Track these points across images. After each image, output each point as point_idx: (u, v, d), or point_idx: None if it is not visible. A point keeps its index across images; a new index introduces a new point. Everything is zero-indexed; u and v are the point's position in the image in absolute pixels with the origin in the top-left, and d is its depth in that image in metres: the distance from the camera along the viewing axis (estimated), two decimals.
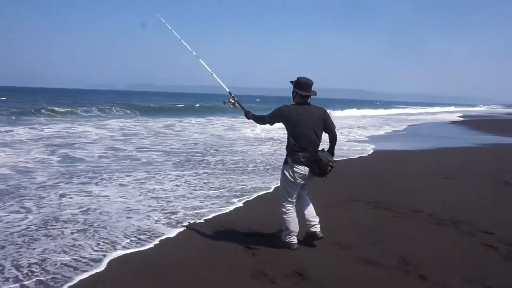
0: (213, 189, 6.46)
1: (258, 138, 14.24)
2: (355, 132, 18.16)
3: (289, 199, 4.04)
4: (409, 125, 24.79)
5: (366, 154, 10.72)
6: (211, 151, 10.76)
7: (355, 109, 43.70)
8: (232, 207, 5.45)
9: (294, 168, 3.87)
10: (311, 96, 4.01)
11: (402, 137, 17.07)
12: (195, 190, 6.37)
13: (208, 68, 5.04)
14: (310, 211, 4.15)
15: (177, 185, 6.63)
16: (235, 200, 5.80)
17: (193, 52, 5.20)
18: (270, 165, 8.65)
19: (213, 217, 4.98)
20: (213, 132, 16.32)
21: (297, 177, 3.89)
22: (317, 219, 4.13)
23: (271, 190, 6.38)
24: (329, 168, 3.86)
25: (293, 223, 4.02)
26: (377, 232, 4.54)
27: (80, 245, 3.98)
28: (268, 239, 4.20)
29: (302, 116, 3.91)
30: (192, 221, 4.78)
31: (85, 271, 3.41)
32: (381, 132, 19.30)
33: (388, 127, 22.55)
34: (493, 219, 5.02)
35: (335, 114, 29.51)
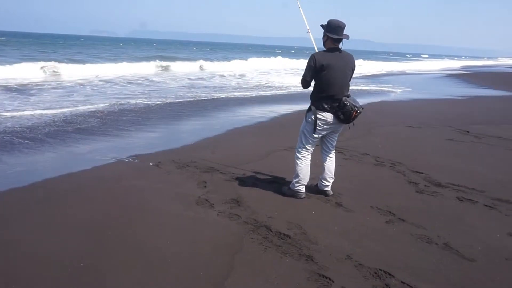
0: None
1: None
2: None
3: (307, 146, 3.99)
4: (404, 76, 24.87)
5: None
6: None
7: (361, 60, 43.71)
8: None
9: (317, 115, 3.79)
10: (343, 40, 3.77)
11: (390, 87, 17.33)
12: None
13: (305, 20, 4.47)
14: (330, 170, 4.13)
15: None
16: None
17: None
18: None
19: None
20: None
21: (319, 123, 3.82)
22: (332, 180, 4.16)
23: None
24: (354, 113, 3.73)
25: (305, 171, 4.02)
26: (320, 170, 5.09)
27: None
28: (220, 174, 4.80)
29: (335, 62, 3.73)
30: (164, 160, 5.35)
31: None
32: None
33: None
34: (428, 162, 5.58)
35: None
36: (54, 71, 17.12)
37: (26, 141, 6.01)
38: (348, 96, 3.84)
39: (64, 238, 3.16)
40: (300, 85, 3.98)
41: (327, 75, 3.73)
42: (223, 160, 5.36)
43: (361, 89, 16.04)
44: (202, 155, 5.59)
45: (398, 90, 16.22)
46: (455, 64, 56.12)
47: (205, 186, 4.41)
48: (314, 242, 3.17)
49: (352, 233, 3.37)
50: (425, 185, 4.62)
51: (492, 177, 5.01)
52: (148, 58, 28.39)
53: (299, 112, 9.31)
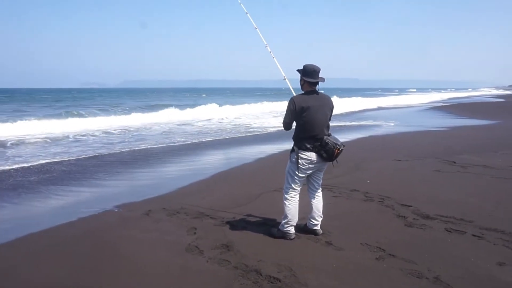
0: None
1: None
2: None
3: (294, 186, 4.03)
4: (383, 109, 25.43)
5: None
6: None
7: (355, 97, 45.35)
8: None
9: (300, 154, 3.88)
10: (319, 83, 3.94)
11: (377, 122, 17.68)
12: None
13: (280, 68, 4.71)
14: (318, 208, 4.16)
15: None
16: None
17: (267, 48, 4.84)
18: None
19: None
20: None
21: (303, 163, 3.90)
22: (321, 218, 4.18)
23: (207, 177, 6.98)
24: (336, 150, 3.83)
25: (294, 212, 4.04)
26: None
27: None
28: (213, 220, 4.78)
29: (313, 103, 3.85)
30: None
31: None
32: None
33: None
34: (416, 195, 5.63)
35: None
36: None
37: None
38: (329, 135, 3.96)
39: None
40: (282, 127, 4.07)
41: (308, 116, 3.85)
42: (214, 205, 5.36)
43: (349, 125, 16.33)
44: (192, 201, 5.58)
45: (385, 124, 16.54)
46: (442, 96, 57.80)
47: (194, 233, 4.38)
48: (304, 284, 3.14)
49: (342, 272, 3.35)
50: (414, 218, 4.64)
51: (479, 206, 5.05)
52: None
53: (286, 151, 9.40)
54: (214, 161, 9.03)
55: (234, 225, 4.58)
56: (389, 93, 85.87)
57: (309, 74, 3.91)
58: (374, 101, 41.16)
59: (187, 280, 3.29)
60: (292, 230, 4.10)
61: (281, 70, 4.69)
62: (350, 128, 15.57)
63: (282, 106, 25.54)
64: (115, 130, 15.85)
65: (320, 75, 3.95)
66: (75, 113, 25.17)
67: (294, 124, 4.02)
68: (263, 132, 14.87)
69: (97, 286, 3.21)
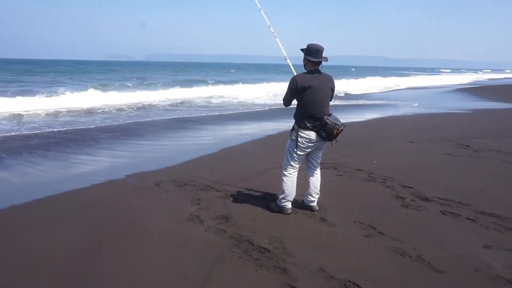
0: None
1: None
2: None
3: (292, 164, 4.17)
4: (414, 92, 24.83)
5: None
6: None
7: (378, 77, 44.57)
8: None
9: (299, 133, 3.99)
10: (323, 62, 3.99)
11: (396, 104, 17.39)
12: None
13: (282, 49, 4.81)
14: (316, 186, 4.29)
15: None
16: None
17: (270, 28, 4.84)
18: None
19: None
20: None
21: (303, 141, 4.01)
22: (318, 196, 4.32)
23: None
24: (336, 130, 3.91)
25: (291, 188, 4.19)
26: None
27: None
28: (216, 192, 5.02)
29: (315, 83, 3.93)
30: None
31: None
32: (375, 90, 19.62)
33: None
34: (420, 177, 5.68)
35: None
36: None
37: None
38: (330, 115, 4.03)
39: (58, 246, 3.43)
40: (285, 105, 4.20)
41: (309, 96, 3.93)
42: (221, 178, 5.59)
43: (370, 104, 16.16)
44: (202, 173, 5.82)
45: (407, 105, 16.26)
46: (473, 78, 55.60)
47: (198, 204, 4.63)
48: (291, 256, 3.34)
49: (329, 247, 3.53)
50: (412, 200, 4.73)
51: (481, 191, 5.08)
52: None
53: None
54: (228, 135, 9.24)
55: (237, 198, 4.80)
56: (422, 73, 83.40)
57: (312, 54, 3.94)
58: (403, 80, 40.25)
59: (184, 246, 3.55)
60: (288, 205, 4.28)
61: (283, 50, 4.77)
62: (370, 107, 15.42)
63: None
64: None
65: (324, 55, 3.97)
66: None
67: (295, 102, 4.12)
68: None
69: (98, 248, 3.51)
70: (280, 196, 4.28)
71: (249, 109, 15.26)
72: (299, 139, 4.01)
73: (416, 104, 16.58)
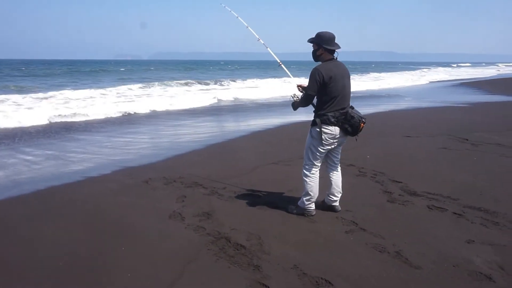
0: None
1: None
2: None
3: (315, 163, 3.88)
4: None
5: None
6: None
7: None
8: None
9: (322, 129, 3.68)
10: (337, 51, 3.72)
11: (399, 98, 17.18)
12: None
13: (274, 56, 4.82)
14: (338, 185, 4.04)
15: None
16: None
17: (260, 40, 4.91)
18: None
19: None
20: None
21: (327, 138, 3.71)
22: (340, 195, 4.09)
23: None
24: (362, 124, 3.68)
25: (315, 188, 3.93)
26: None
27: None
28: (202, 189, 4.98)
29: (338, 72, 3.64)
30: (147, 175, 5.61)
31: None
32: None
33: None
34: (411, 172, 5.58)
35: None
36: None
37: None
38: (352, 107, 3.79)
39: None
40: (302, 104, 3.86)
41: (334, 87, 3.62)
42: (211, 175, 5.54)
43: (372, 98, 15.98)
44: (192, 170, 5.78)
45: (410, 99, 16.06)
46: (488, 72, 54.61)
47: (183, 201, 4.59)
48: (267, 253, 3.28)
49: (308, 244, 3.46)
50: (400, 195, 4.64)
51: (472, 185, 4.97)
52: None
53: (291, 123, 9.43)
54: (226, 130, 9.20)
55: (222, 194, 4.75)
56: (444, 67, 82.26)
57: (327, 42, 3.65)
58: (415, 75, 39.79)
59: (162, 244, 3.51)
60: (313, 206, 4.02)
61: (276, 58, 4.79)
62: (372, 101, 15.25)
63: None
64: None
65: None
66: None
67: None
68: None
69: (73, 246, 3.49)
70: (304, 198, 3.99)
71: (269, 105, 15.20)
72: (323, 135, 3.70)
73: (419, 99, 16.34)
